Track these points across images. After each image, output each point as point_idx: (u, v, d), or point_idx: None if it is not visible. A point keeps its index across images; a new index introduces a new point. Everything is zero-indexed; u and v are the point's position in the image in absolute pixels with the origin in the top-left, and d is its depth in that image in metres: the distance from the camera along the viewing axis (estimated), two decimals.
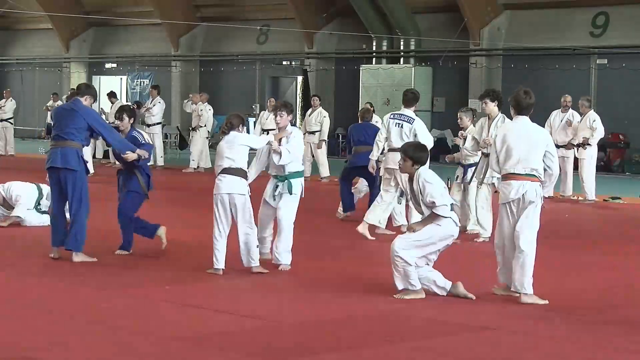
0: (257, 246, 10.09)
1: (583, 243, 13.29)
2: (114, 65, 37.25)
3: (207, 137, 24.15)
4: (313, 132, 21.66)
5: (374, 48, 30.21)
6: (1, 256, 11.08)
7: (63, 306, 8.51)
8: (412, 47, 29.31)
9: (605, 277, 10.75)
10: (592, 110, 18.21)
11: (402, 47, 29.45)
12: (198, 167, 23.85)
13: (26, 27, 39.53)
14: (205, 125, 23.98)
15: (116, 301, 8.72)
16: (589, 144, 17.95)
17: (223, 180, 10.05)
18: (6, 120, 28.96)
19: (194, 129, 24.13)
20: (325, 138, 21.72)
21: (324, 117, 21.74)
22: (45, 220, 12.79)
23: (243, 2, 33.48)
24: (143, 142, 11.27)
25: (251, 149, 10.24)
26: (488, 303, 8.81)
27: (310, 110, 22.28)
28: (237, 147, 10.04)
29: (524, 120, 9.01)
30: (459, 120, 13.62)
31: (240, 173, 10.05)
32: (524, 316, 8.35)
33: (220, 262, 10.02)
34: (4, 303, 8.65)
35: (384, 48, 29.93)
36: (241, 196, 9.98)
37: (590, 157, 17.99)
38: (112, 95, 26.41)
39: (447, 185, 11.56)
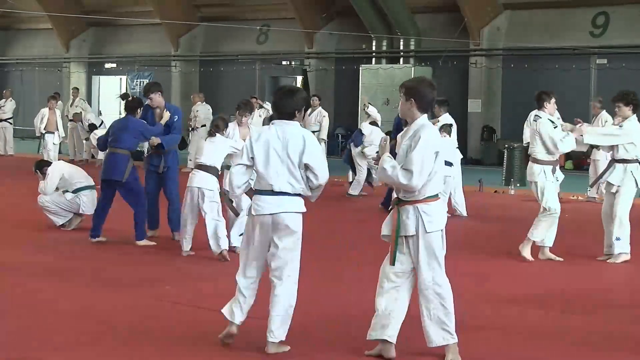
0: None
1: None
2: (114, 65, 37.20)
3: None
4: (312, 132, 21.62)
5: (374, 48, 30.17)
6: (0, 257, 11.08)
7: (63, 306, 8.51)
8: (412, 47, 29.27)
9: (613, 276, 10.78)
10: (604, 110, 17.87)
11: (402, 47, 29.41)
12: None
13: (26, 27, 39.50)
14: (206, 125, 23.98)
15: (116, 301, 8.72)
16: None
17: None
18: (5, 120, 28.95)
19: (193, 129, 24.11)
20: (325, 138, 21.72)
21: (324, 116, 21.74)
22: None
23: (243, 2, 33.46)
24: None
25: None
26: (486, 303, 8.83)
27: (309, 110, 22.26)
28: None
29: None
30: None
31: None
32: (525, 316, 8.36)
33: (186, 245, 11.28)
34: (5, 303, 8.65)
35: (384, 48, 29.89)
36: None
37: (604, 157, 17.88)
38: (125, 97, 26.07)
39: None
